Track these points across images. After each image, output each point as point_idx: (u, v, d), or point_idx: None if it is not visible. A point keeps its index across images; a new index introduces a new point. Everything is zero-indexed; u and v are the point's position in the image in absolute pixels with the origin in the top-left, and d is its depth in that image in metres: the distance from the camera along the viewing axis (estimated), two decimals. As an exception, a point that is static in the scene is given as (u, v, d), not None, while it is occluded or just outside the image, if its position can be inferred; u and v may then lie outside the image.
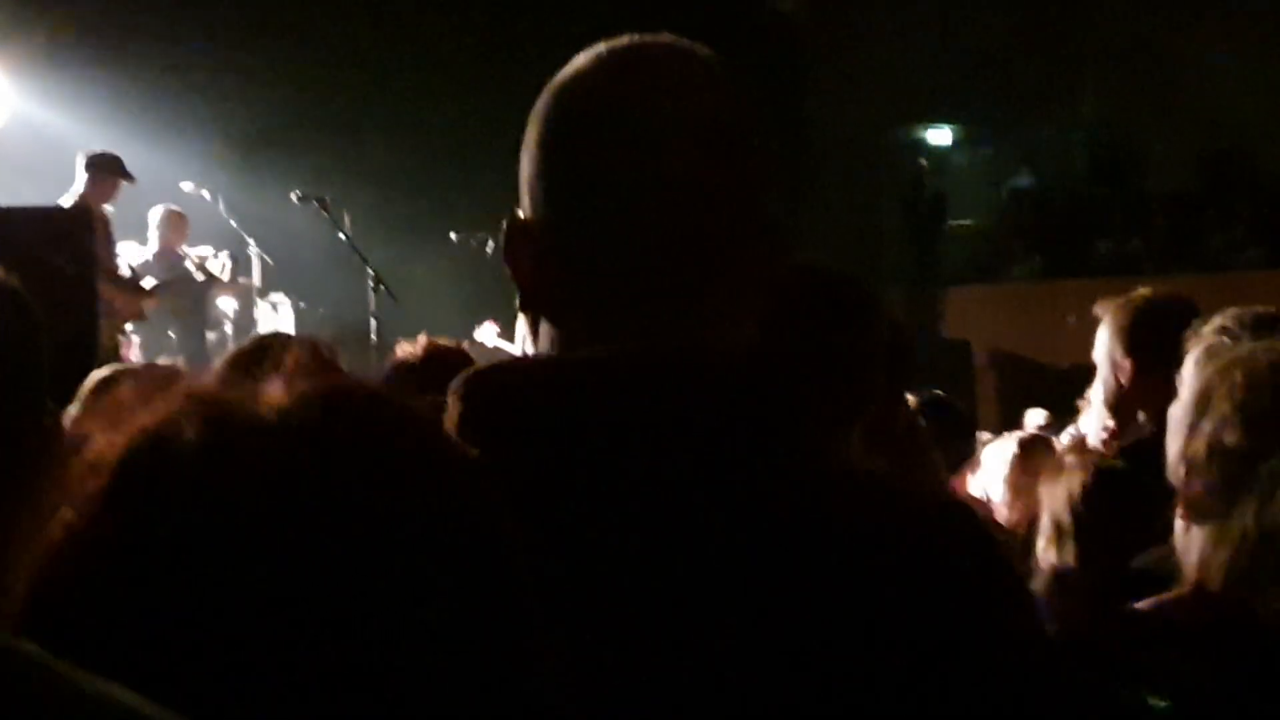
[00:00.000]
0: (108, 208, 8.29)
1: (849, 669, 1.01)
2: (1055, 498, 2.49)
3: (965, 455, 4.05)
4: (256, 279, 10.79)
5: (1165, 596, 1.64)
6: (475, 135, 12.73)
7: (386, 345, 8.38)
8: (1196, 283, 9.27)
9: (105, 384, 2.89)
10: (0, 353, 1.82)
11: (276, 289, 11.07)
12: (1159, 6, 14.06)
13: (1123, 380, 2.77)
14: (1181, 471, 1.62)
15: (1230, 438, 1.56)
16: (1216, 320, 2.22)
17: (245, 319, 10.21)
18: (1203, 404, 1.61)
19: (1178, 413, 1.66)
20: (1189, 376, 1.80)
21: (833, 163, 13.69)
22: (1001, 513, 3.44)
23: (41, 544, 0.63)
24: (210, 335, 9.54)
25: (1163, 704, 1.48)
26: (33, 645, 0.57)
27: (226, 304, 10.26)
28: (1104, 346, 2.84)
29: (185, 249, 9.63)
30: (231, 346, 5.53)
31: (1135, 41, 14.17)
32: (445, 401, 1.08)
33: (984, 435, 4.92)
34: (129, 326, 8.69)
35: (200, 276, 9.56)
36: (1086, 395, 3.89)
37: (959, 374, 10.11)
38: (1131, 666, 1.55)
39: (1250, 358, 1.63)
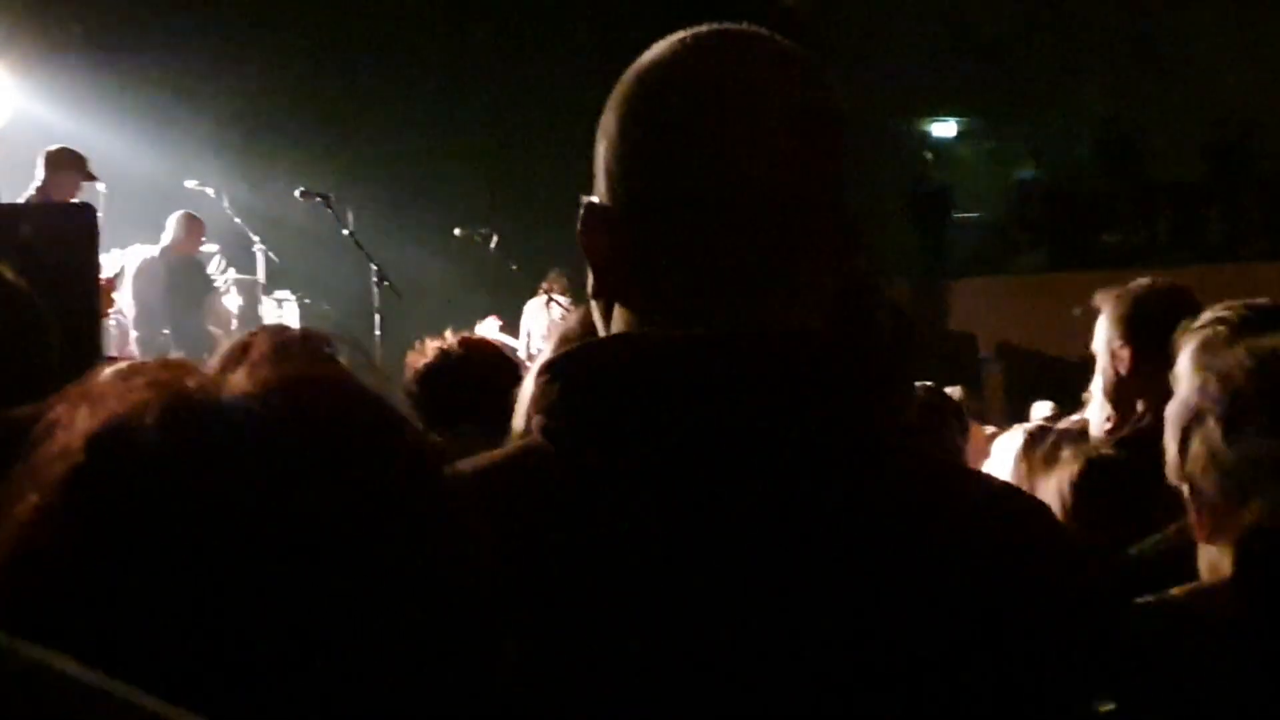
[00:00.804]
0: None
1: (957, 655, 1.03)
2: (1048, 491, 2.49)
3: (955, 444, 4.04)
4: (261, 276, 10.82)
5: (1193, 587, 1.62)
6: (480, 131, 12.76)
7: (390, 341, 8.40)
8: (1202, 273, 9.27)
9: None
10: (9, 352, 1.83)
11: (281, 286, 11.10)
12: (1163, -3, 14.07)
13: (1121, 370, 2.76)
14: (1193, 470, 1.60)
15: (1236, 432, 1.55)
16: (1207, 314, 2.20)
17: (250, 316, 10.24)
18: (1203, 399, 1.59)
19: (1174, 410, 1.64)
20: (1184, 373, 1.78)
21: (837, 155, 13.66)
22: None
23: (6, 528, 0.64)
24: (217, 332, 9.56)
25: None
26: None
27: (231, 301, 10.29)
28: (1103, 336, 2.83)
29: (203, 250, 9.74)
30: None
31: (1140, 33, 14.16)
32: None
33: (989, 428, 4.90)
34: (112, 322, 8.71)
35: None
36: (1090, 389, 3.87)
37: (965, 366, 10.12)
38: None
39: (1254, 349, 1.60)
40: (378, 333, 9.01)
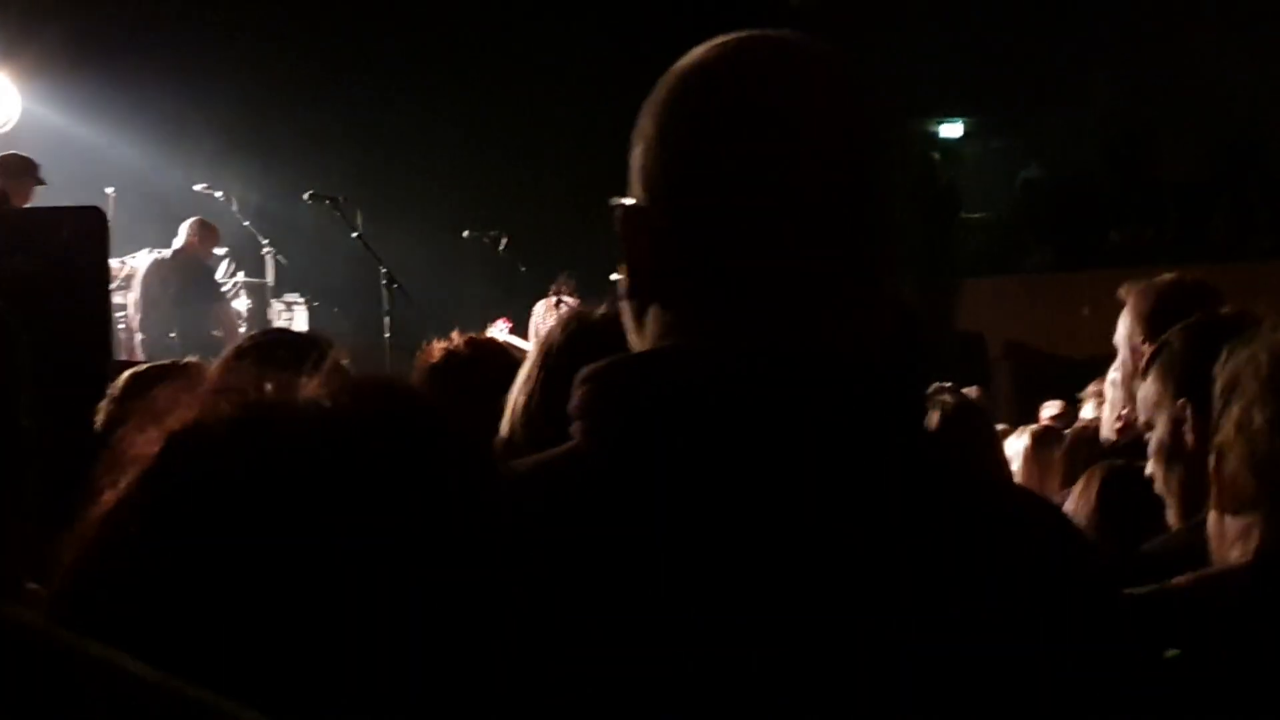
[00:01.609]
0: None
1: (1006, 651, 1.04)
2: (1067, 498, 2.49)
3: (993, 458, 4.07)
4: (270, 279, 10.83)
5: (1206, 572, 1.62)
6: (488, 134, 12.75)
7: (399, 343, 8.40)
8: (1209, 272, 9.23)
9: (136, 381, 2.90)
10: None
11: (290, 288, 11.11)
12: (1170, -4, 14.04)
13: (1141, 365, 2.76)
14: (1213, 459, 1.60)
15: (1260, 416, 1.55)
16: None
17: (259, 318, 10.25)
18: (1230, 388, 1.59)
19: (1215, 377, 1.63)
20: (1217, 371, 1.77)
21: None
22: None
23: (82, 530, 0.66)
24: (222, 336, 9.57)
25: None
26: (30, 613, 0.58)
27: (240, 304, 10.30)
28: (1124, 330, 2.81)
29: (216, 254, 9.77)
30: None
31: (1146, 32, 14.13)
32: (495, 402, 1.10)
33: (1000, 426, 4.90)
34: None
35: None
36: (1089, 388, 3.85)
37: (973, 366, 10.10)
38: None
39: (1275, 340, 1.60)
40: (387, 335, 9.01)
